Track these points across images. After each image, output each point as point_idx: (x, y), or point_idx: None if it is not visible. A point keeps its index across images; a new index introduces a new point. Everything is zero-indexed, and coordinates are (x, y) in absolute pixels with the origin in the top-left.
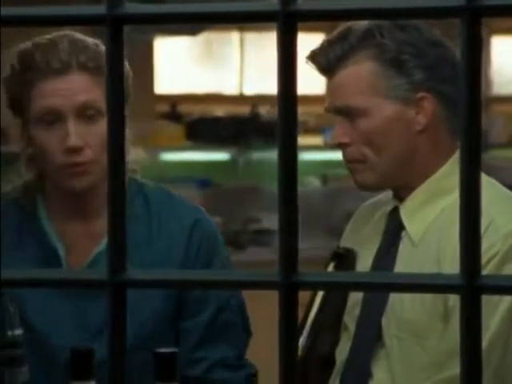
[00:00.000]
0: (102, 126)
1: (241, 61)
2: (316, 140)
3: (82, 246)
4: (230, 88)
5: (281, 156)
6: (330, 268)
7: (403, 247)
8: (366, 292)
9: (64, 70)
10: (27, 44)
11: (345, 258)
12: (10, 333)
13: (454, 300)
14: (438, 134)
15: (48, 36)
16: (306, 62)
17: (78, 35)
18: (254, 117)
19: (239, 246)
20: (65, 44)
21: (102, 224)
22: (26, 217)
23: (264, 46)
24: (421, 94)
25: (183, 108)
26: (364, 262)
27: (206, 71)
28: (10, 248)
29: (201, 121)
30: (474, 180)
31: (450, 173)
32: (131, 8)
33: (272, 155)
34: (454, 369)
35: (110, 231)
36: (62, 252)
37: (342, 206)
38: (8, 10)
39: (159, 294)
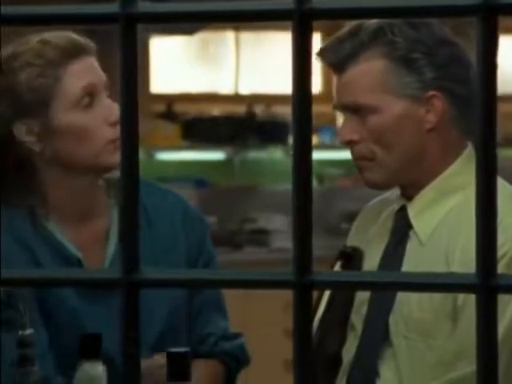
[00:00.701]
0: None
1: (236, 60)
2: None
3: (92, 248)
4: (225, 87)
5: (295, 156)
6: (337, 267)
7: (411, 246)
8: (381, 292)
9: (82, 52)
10: (31, 42)
11: (352, 258)
12: (20, 332)
13: (463, 299)
14: (448, 132)
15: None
16: (316, 58)
17: None
18: (250, 116)
19: (236, 246)
20: (68, 35)
21: (102, 223)
22: (35, 226)
23: (260, 45)
24: (431, 93)
25: (179, 107)
26: (371, 262)
27: (201, 71)
28: (25, 261)
29: (197, 120)
30: (490, 180)
31: (458, 172)
32: (144, 7)
33: (268, 155)
34: (463, 369)
35: (122, 231)
36: (81, 258)
37: (338, 205)
38: (19, 9)
39: (175, 291)
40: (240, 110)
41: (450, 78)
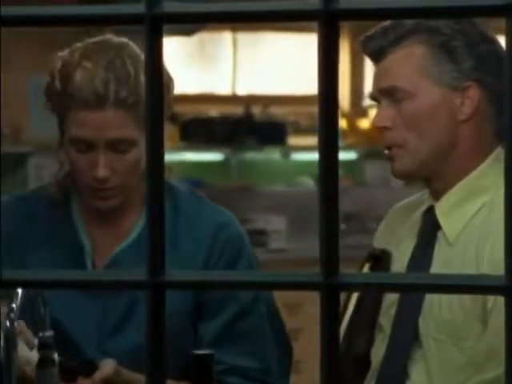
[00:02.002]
0: (131, 155)
1: (234, 61)
2: (308, 140)
3: (107, 246)
4: (223, 88)
5: (322, 158)
6: (366, 269)
7: (439, 248)
8: (409, 293)
9: (100, 103)
10: (70, 58)
11: (380, 260)
12: (41, 334)
13: (492, 302)
14: (480, 128)
15: (92, 47)
16: (358, 47)
17: (123, 54)
18: (248, 117)
19: None
20: (105, 72)
21: (127, 223)
22: (59, 212)
23: (257, 46)
24: (468, 83)
25: (176, 108)
26: (399, 264)
27: (199, 71)
28: (38, 243)
29: (194, 121)
30: None
31: (487, 173)
32: (170, 7)
33: (265, 155)
34: (493, 371)
35: (149, 232)
36: (88, 251)
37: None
38: (45, 10)
39: (176, 292)
40: (237, 110)
41: (488, 71)
